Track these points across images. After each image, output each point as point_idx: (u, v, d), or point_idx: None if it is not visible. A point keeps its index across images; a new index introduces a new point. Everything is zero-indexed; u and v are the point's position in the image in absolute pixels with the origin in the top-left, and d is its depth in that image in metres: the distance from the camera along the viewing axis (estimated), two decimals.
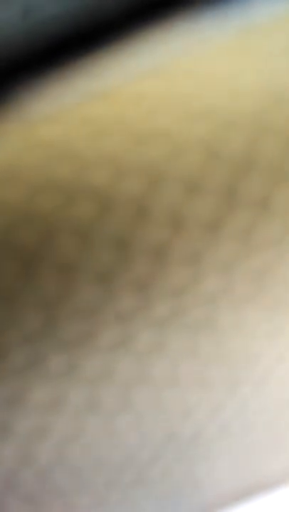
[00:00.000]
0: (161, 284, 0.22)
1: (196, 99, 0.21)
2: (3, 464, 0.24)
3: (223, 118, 0.22)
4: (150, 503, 0.29)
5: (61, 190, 0.21)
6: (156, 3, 0.23)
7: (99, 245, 0.21)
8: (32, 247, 0.21)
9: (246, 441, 0.29)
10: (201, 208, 0.22)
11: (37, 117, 0.21)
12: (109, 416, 0.24)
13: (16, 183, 0.21)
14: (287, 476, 0.32)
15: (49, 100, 0.22)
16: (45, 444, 0.24)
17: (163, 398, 0.25)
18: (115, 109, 0.21)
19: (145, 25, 0.23)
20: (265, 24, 0.22)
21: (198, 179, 0.21)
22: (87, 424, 0.24)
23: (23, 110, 0.21)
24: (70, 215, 0.21)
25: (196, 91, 0.22)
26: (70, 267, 0.21)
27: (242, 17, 0.22)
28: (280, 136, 0.22)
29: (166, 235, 0.22)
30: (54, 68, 0.23)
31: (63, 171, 0.21)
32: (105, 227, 0.21)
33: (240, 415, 0.27)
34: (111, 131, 0.21)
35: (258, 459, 0.30)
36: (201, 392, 0.25)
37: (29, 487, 0.25)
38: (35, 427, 0.23)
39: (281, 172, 0.22)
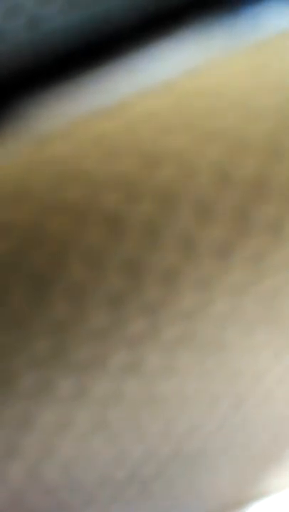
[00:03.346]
0: (172, 307, 0.22)
1: (208, 119, 0.21)
2: (10, 483, 0.24)
3: (236, 139, 0.21)
4: None
5: (71, 210, 0.21)
6: (166, 17, 0.23)
7: (109, 269, 0.21)
8: (42, 270, 0.21)
9: (249, 454, 0.29)
10: (212, 231, 0.21)
11: (45, 134, 0.21)
12: (116, 435, 0.24)
13: (26, 202, 0.21)
14: (287, 485, 0.32)
15: (57, 116, 0.21)
16: (52, 463, 0.24)
17: (169, 417, 0.25)
18: (126, 127, 0.21)
19: (155, 41, 0.23)
20: (279, 40, 0.22)
21: (210, 202, 0.21)
22: (93, 443, 0.24)
23: (31, 126, 0.21)
24: (80, 236, 0.21)
25: (208, 110, 0.21)
26: (81, 290, 0.21)
27: (255, 32, 0.22)
28: None
29: (177, 259, 0.21)
30: (61, 82, 0.22)
31: (73, 191, 0.21)
32: (116, 250, 0.21)
33: (244, 430, 0.27)
34: (122, 151, 0.21)
35: (259, 471, 0.30)
36: (206, 410, 0.25)
37: (34, 503, 0.25)
38: (42, 447, 0.23)
39: None
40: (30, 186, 0.21)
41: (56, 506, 0.26)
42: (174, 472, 0.27)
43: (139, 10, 0.23)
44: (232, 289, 0.22)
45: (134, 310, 0.22)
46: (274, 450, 0.30)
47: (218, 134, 0.21)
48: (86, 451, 0.24)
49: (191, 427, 0.26)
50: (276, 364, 0.25)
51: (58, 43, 0.22)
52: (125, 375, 0.23)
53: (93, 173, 0.21)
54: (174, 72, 0.22)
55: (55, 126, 0.21)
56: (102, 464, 0.25)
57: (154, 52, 0.22)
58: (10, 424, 0.22)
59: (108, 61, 0.23)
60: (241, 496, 0.31)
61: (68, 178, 0.21)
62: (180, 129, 0.21)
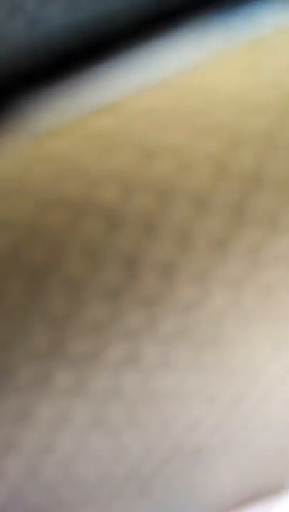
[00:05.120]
0: (169, 300, 0.22)
1: (205, 114, 0.21)
2: (8, 477, 0.24)
3: (233, 134, 0.21)
4: None
5: (69, 206, 0.21)
6: (164, 15, 0.23)
7: (107, 262, 0.21)
8: (40, 264, 0.21)
9: (249, 453, 0.29)
10: (209, 224, 0.22)
11: (44, 131, 0.21)
12: (115, 430, 0.24)
13: (24, 197, 0.21)
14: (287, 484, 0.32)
15: (56, 113, 0.22)
16: (50, 458, 0.24)
17: (168, 413, 0.25)
18: (123, 123, 0.21)
19: (153, 38, 0.23)
20: (274, 37, 0.22)
21: (207, 196, 0.21)
22: (92, 438, 0.24)
23: (29, 123, 0.21)
24: (78, 231, 0.21)
25: (205, 105, 0.21)
26: (78, 284, 0.21)
27: (251, 30, 0.22)
28: None
29: (175, 252, 0.22)
30: (60, 80, 0.23)
31: (71, 186, 0.21)
32: (113, 244, 0.21)
33: (243, 428, 0.27)
34: (119, 146, 0.21)
35: (259, 469, 0.30)
36: (205, 406, 0.25)
37: (33, 499, 0.25)
38: (41, 441, 0.23)
39: None
40: (29, 182, 0.21)
41: (55, 503, 0.26)
42: (174, 470, 0.27)
43: (137, 9, 0.23)
44: (229, 281, 0.22)
45: (132, 303, 0.22)
46: (274, 450, 0.30)
47: (215, 128, 0.21)
48: (85, 447, 0.24)
49: (190, 423, 0.26)
50: (275, 361, 0.25)
51: (58, 42, 0.23)
52: (123, 369, 0.23)
53: (91, 169, 0.21)
54: (171, 70, 0.22)
55: (54, 123, 0.21)
56: (101, 461, 0.25)
57: (151, 50, 0.23)
58: (8, 418, 0.22)
59: (107, 60, 0.23)
60: (241, 496, 0.31)
61: (66, 173, 0.21)
62: (177, 124, 0.21)
